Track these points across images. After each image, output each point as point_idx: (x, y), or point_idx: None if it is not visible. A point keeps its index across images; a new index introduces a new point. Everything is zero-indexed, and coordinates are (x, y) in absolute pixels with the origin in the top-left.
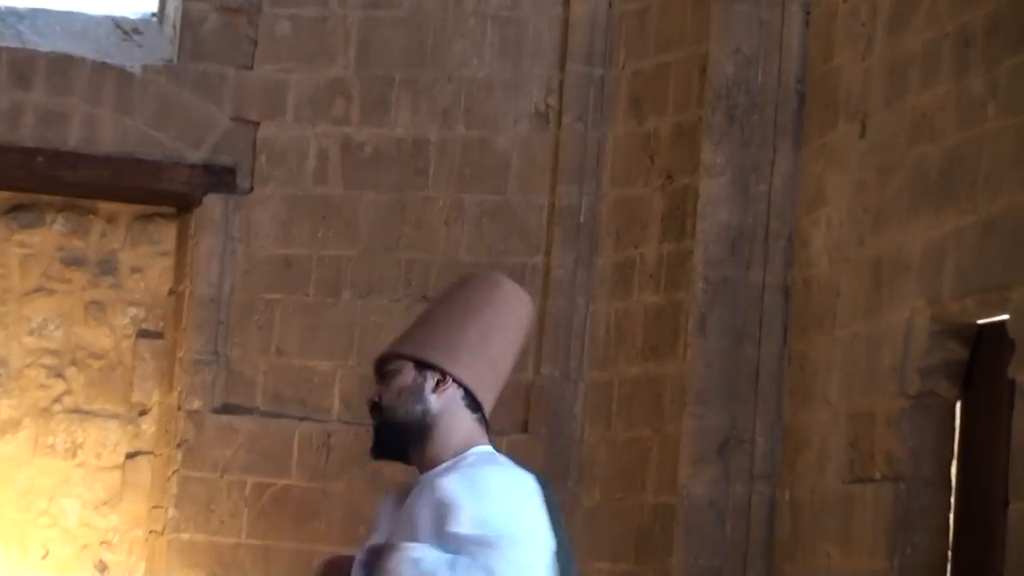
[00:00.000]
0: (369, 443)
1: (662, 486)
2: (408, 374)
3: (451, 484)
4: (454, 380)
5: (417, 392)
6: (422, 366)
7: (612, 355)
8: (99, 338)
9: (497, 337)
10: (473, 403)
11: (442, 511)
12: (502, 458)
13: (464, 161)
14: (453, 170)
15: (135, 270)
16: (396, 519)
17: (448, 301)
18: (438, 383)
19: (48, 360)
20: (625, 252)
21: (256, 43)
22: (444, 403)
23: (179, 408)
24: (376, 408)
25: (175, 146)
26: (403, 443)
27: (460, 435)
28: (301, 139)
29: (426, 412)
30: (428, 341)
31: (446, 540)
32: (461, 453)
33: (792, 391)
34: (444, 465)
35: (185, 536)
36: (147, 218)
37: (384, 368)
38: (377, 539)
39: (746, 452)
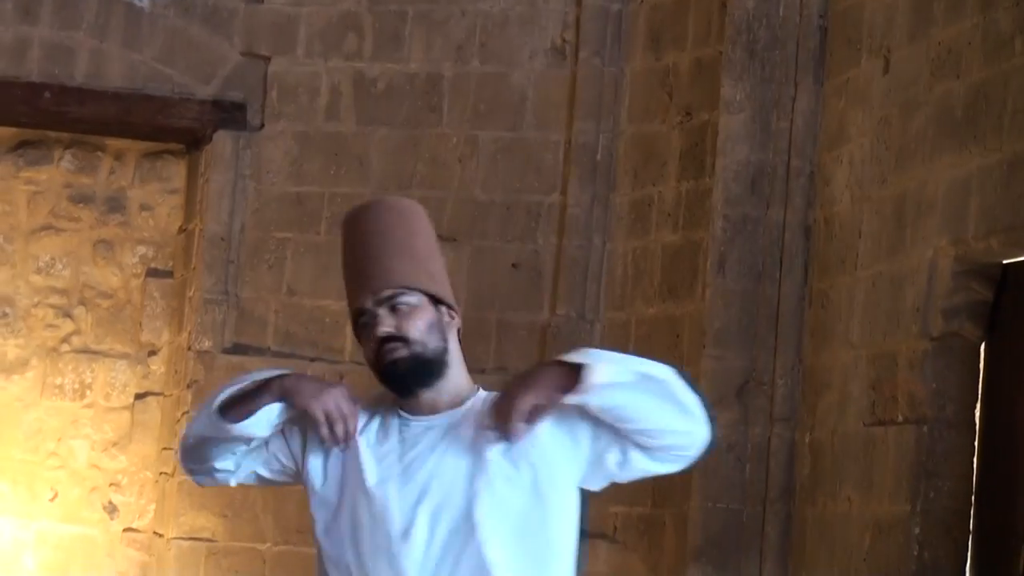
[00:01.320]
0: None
1: None
2: (429, 308)
3: None
4: (457, 319)
5: (439, 328)
6: (435, 301)
7: (629, 295)
8: (107, 277)
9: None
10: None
11: (562, 415)
12: None
13: (479, 97)
14: (467, 106)
15: (144, 208)
16: (426, 455)
17: (406, 229)
18: (447, 320)
19: (56, 299)
20: (643, 190)
21: None
22: (453, 340)
23: (189, 348)
24: (398, 340)
25: (184, 82)
26: (424, 380)
27: (467, 376)
28: (312, 75)
29: (446, 349)
30: (432, 275)
31: (582, 425)
32: (474, 394)
33: (813, 332)
34: (468, 404)
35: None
36: (156, 155)
37: (394, 300)
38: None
39: (765, 394)
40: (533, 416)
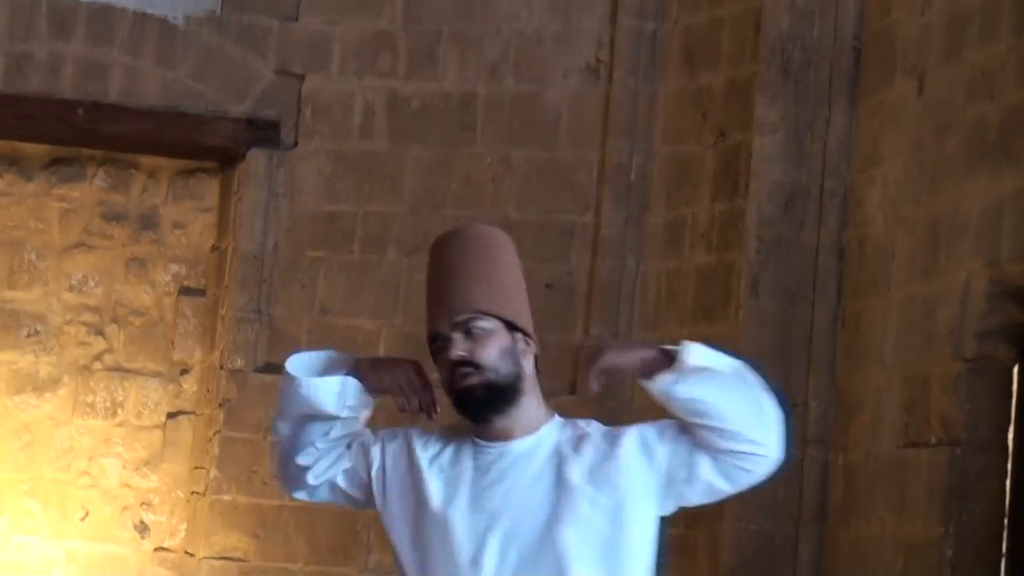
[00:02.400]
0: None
1: None
2: (504, 335)
3: (604, 431)
4: (535, 347)
5: (514, 354)
6: (511, 328)
7: (663, 316)
8: (140, 295)
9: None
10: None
11: (627, 441)
12: None
13: (512, 116)
14: (501, 125)
15: (177, 226)
16: (495, 485)
17: (488, 257)
18: (523, 347)
19: (88, 317)
20: (676, 211)
21: None
22: (529, 368)
23: (221, 367)
24: (470, 365)
25: (218, 99)
26: (498, 406)
27: (542, 403)
28: (346, 93)
29: (520, 376)
30: (509, 302)
31: (659, 449)
32: (550, 420)
33: (846, 353)
34: (544, 431)
35: (227, 497)
36: (189, 173)
37: (469, 324)
38: (449, 500)
39: (799, 415)
40: (607, 374)
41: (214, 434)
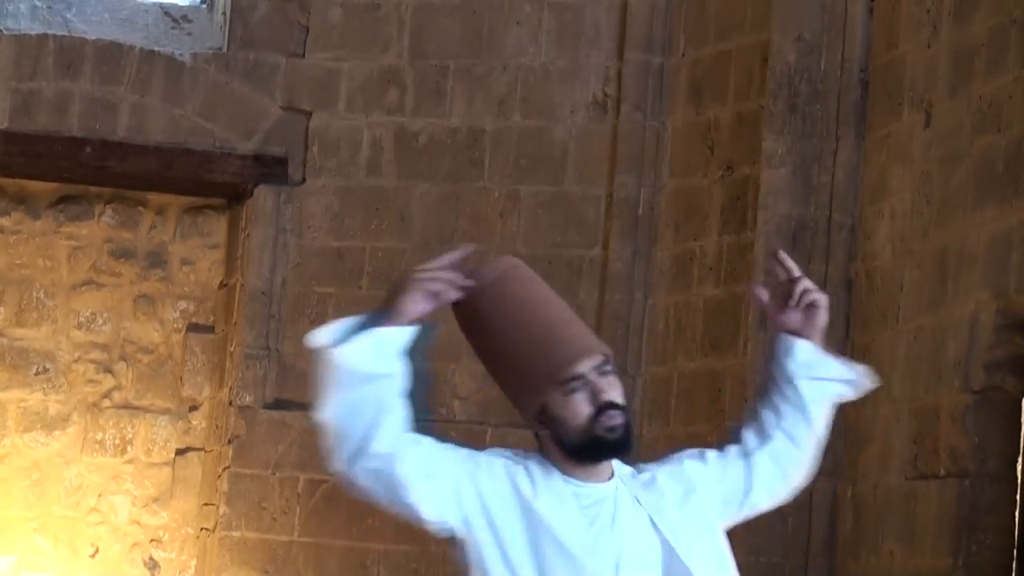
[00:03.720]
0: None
1: None
2: (619, 379)
3: (663, 466)
4: None
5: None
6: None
7: (671, 349)
8: (148, 332)
9: None
10: None
11: (693, 467)
12: None
13: (520, 151)
14: (509, 160)
15: (185, 263)
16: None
17: (559, 297)
18: None
19: (97, 355)
20: (684, 244)
21: (308, 31)
22: None
23: (230, 403)
24: (618, 408)
25: (225, 136)
26: (628, 449)
27: None
28: (354, 129)
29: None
30: None
31: (710, 463)
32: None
33: None
34: (617, 473)
35: (236, 534)
36: (197, 210)
37: (604, 367)
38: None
39: None
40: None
41: (223, 470)
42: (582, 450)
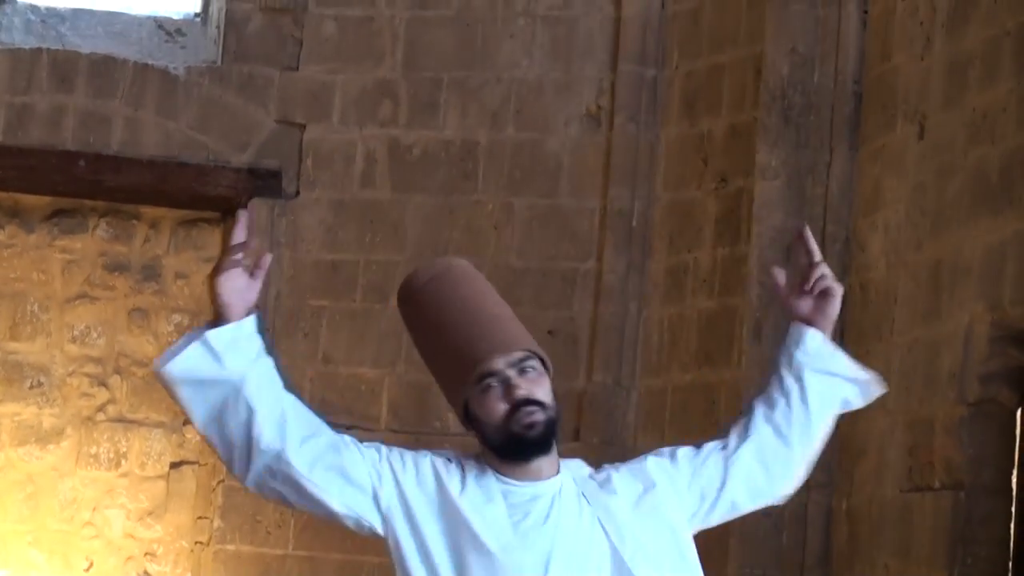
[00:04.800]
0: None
1: None
2: (545, 374)
3: (626, 466)
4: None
5: (554, 394)
6: (546, 368)
7: (665, 362)
8: (143, 346)
9: None
10: None
11: (654, 466)
12: None
13: (514, 164)
14: (503, 173)
15: (179, 276)
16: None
17: (494, 293)
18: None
19: (91, 368)
20: (678, 256)
21: (301, 44)
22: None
23: None
24: (534, 404)
25: (219, 149)
26: (552, 445)
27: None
28: (348, 142)
29: (560, 415)
30: (536, 343)
31: (679, 474)
32: (562, 459)
33: None
34: (563, 471)
35: (231, 547)
36: (191, 223)
37: (523, 363)
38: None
39: None
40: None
41: (218, 484)
42: (503, 448)
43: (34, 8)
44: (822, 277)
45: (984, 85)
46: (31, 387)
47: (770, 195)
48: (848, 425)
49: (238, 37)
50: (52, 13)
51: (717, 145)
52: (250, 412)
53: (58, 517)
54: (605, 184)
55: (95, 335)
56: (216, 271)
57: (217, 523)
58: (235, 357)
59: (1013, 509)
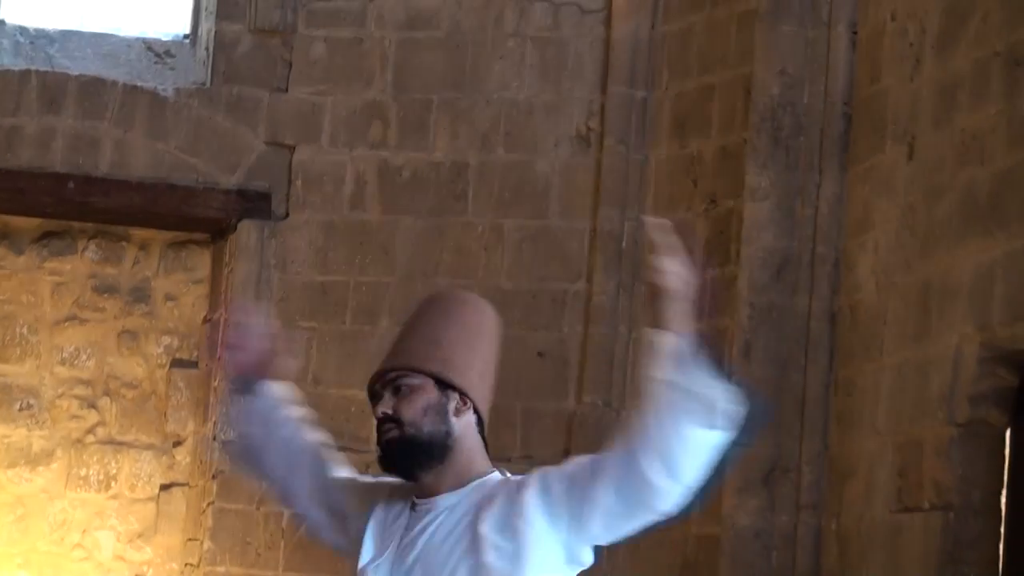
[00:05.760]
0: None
1: (706, 516)
2: (431, 392)
3: (517, 480)
4: (472, 405)
5: (442, 412)
6: (444, 386)
7: None
8: (132, 367)
9: (494, 365)
10: (481, 430)
11: (530, 484)
12: None
13: (504, 185)
14: (492, 194)
15: (169, 298)
16: (413, 541)
17: (444, 318)
18: (458, 406)
19: (80, 390)
20: None
21: (291, 65)
22: (463, 426)
23: (214, 438)
24: (392, 421)
25: (209, 171)
26: (420, 462)
27: (478, 460)
28: (337, 163)
29: (448, 433)
30: (447, 360)
31: (557, 488)
32: (481, 477)
33: (839, 419)
34: (471, 486)
35: (221, 569)
36: (181, 245)
37: (397, 381)
38: (375, 556)
39: (792, 481)
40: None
41: (208, 505)
42: (381, 464)
43: (23, 30)
44: (655, 271)
45: (973, 106)
46: (21, 409)
47: (760, 216)
48: (838, 445)
49: (227, 59)
50: (41, 35)
51: (707, 166)
52: (285, 478)
53: (48, 539)
54: (595, 205)
55: (84, 357)
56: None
57: (207, 545)
58: (247, 426)
59: (1002, 530)
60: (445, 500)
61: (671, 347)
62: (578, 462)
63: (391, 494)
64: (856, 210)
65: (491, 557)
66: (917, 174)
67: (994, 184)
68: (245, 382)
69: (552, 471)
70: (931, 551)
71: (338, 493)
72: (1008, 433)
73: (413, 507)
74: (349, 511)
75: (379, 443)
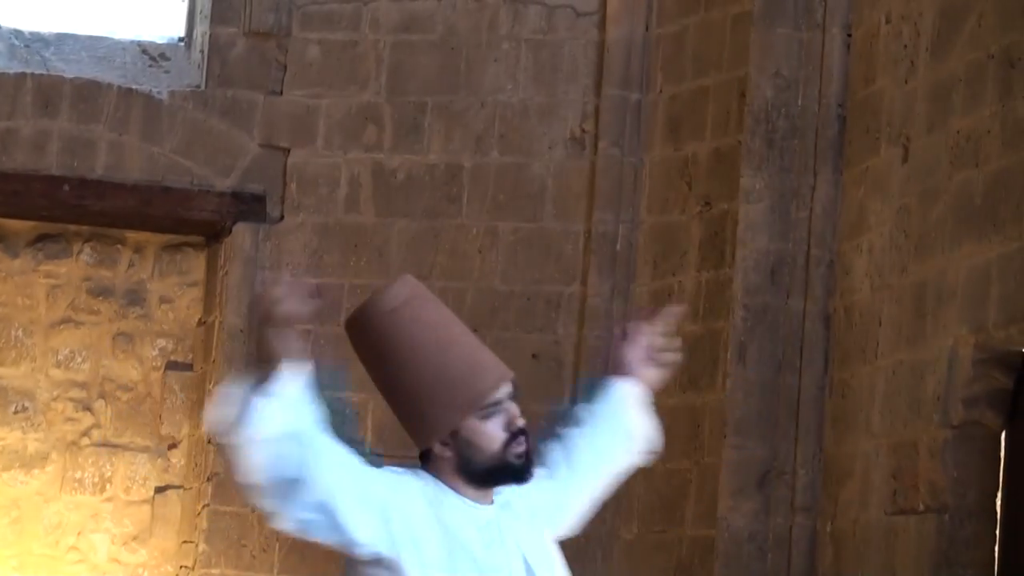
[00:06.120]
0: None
1: (701, 519)
2: None
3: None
4: None
5: None
6: None
7: None
8: (127, 370)
9: None
10: None
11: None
12: None
13: (498, 188)
14: (487, 197)
15: (164, 301)
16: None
17: (457, 319)
18: None
19: (76, 393)
20: (663, 280)
21: (285, 68)
22: None
23: (209, 441)
24: (526, 434)
25: (203, 174)
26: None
27: None
28: (332, 166)
29: None
30: None
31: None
32: None
33: (833, 421)
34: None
35: (216, 571)
36: (175, 248)
37: (515, 392)
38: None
39: (787, 484)
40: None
41: (203, 508)
42: (489, 474)
43: (18, 33)
44: (669, 351)
45: (968, 108)
46: (15, 412)
47: (754, 218)
48: (833, 447)
49: (222, 61)
50: (36, 38)
51: (701, 168)
52: (301, 466)
53: (43, 542)
54: (589, 208)
55: (79, 360)
56: (271, 308)
57: (202, 547)
58: (298, 410)
59: (997, 532)
60: (492, 509)
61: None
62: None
63: (417, 492)
64: (851, 212)
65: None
66: (912, 176)
67: (989, 186)
68: (262, 382)
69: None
70: (926, 553)
71: (374, 486)
72: (1003, 435)
73: (477, 514)
74: (391, 503)
75: (513, 452)
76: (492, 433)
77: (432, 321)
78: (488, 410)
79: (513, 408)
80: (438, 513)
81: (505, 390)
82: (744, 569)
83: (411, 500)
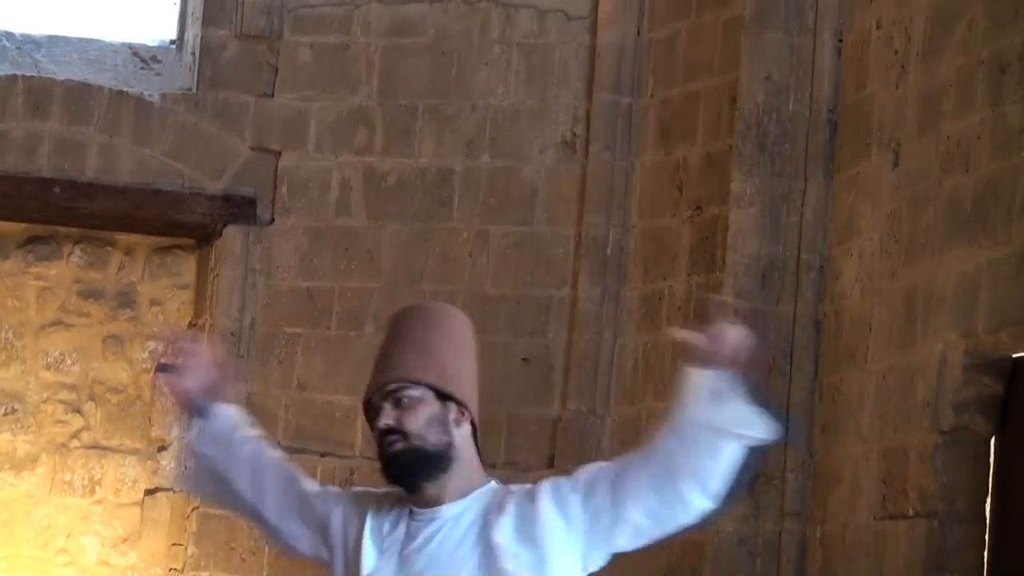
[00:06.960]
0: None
1: None
2: (433, 403)
3: (525, 489)
4: (469, 415)
5: (443, 423)
6: (443, 397)
7: (640, 389)
8: (117, 372)
9: (477, 374)
10: (476, 439)
11: (542, 494)
12: None
13: (489, 191)
14: (478, 200)
15: (154, 303)
16: (418, 553)
17: (431, 330)
18: (457, 416)
19: (65, 395)
20: (653, 284)
21: (277, 71)
22: (462, 437)
23: None
24: (396, 433)
25: (194, 176)
26: (425, 473)
27: (476, 470)
28: (323, 169)
29: (450, 444)
30: (443, 372)
31: (572, 498)
32: (482, 487)
33: (823, 426)
34: (474, 496)
35: (205, 574)
36: (166, 250)
37: (398, 393)
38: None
39: (776, 488)
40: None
41: (192, 510)
42: (386, 476)
43: (9, 35)
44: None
45: (959, 113)
46: (5, 414)
47: (745, 223)
48: (823, 452)
49: (213, 64)
50: (27, 40)
51: (692, 173)
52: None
53: (32, 544)
54: (580, 212)
55: (69, 362)
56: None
57: (191, 550)
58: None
59: (987, 537)
60: (449, 510)
61: (709, 383)
62: (591, 474)
63: (379, 503)
64: (841, 217)
65: (511, 565)
66: (902, 181)
67: (979, 191)
68: (197, 405)
69: (563, 481)
70: (915, 558)
71: (316, 504)
72: (993, 440)
73: (411, 516)
74: (331, 520)
75: (383, 455)
76: (374, 436)
77: (393, 332)
78: (369, 415)
79: (386, 410)
80: (373, 522)
81: (380, 394)
82: (733, 573)
83: (352, 514)
